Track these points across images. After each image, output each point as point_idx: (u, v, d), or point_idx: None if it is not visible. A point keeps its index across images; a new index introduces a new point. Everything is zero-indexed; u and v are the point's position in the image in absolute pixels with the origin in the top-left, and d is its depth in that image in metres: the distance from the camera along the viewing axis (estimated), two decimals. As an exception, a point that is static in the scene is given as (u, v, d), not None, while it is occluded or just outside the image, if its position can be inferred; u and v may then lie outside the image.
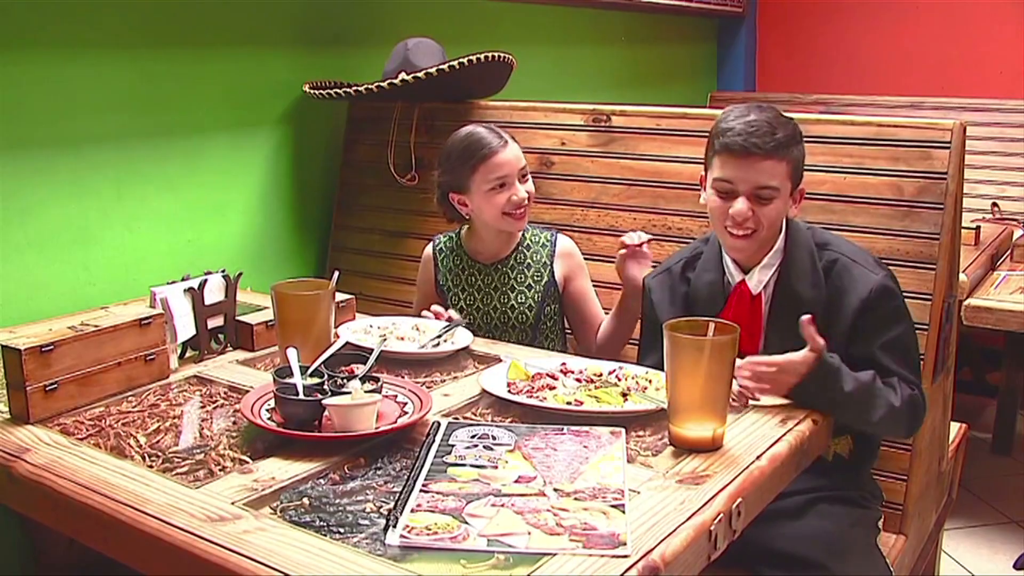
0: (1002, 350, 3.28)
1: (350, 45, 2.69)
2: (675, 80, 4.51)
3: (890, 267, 1.74)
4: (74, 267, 2.09)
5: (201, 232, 2.35)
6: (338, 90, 2.45)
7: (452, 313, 1.99)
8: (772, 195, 1.65)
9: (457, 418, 1.51)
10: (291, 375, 1.46)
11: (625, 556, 1.07)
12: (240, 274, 1.86)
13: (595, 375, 1.65)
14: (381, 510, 1.20)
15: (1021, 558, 2.64)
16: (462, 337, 1.86)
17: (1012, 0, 4.22)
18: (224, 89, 2.36)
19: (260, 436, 1.42)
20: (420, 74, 2.33)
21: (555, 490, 1.23)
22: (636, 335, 1.98)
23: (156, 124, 2.22)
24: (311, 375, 1.48)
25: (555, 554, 1.08)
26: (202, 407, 1.59)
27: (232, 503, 1.21)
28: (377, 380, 1.49)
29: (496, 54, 2.38)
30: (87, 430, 1.47)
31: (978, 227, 3.08)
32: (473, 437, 1.40)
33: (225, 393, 1.63)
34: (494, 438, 1.40)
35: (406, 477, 1.28)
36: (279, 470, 1.31)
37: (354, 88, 2.44)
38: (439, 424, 1.45)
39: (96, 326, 1.57)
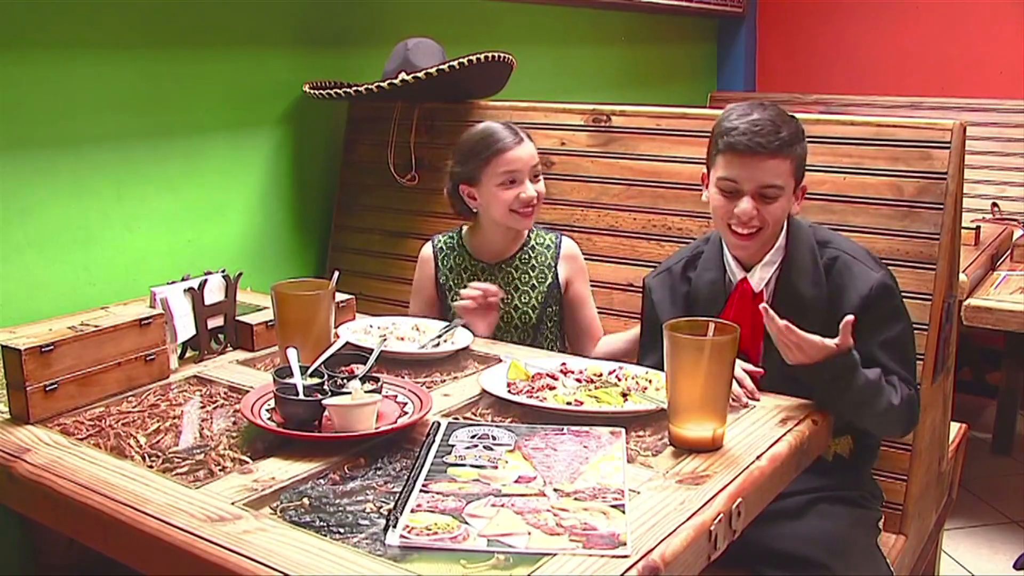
0: (1002, 350, 3.28)
1: (350, 45, 2.69)
2: (675, 80, 4.51)
3: (890, 267, 1.74)
4: (74, 267, 2.09)
5: (201, 232, 2.35)
6: (338, 90, 2.45)
7: (488, 286, 1.99)
8: (777, 194, 1.65)
9: (457, 418, 1.51)
10: (291, 375, 1.46)
11: (625, 556, 1.07)
12: (240, 274, 1.86)
13: (595, 375, 1.65)
14: (381, 510, 1.20)
15: (1021, 558, 2.64)
16: (462, 337, 1.86)
17: (1012, 0, 4.22)
18: (224, 89, 2.36)
19: (260, 436, 1.42)
20: (420, 74, 2.33)
21: (555, 490, 1.23)
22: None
23: (156, 124, 2.22)
24: (311, 375, 1.48)
25: (555, 554, 1.08)
26: (202, 407, 1.59)
27: (232, 503, 1.21)
28: (377, 380, 1.49)
29: (496, 54, 2.38)
30: (87, 430, 1.47)
31: (978, 227, 3.08)
32: (473, 437, 1.40)
33: (225, 393, 1.63)
34: (494, 438, 1.40)
35: (406, 477, 1.28)
36: (279, 470, 1.31)
37: (354, 88, 2.44)
38: (439, 424, 1.45)
39: (96, 326, 1.57)
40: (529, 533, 1.12)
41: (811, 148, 1.76)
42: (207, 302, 1.79)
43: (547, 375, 1.64)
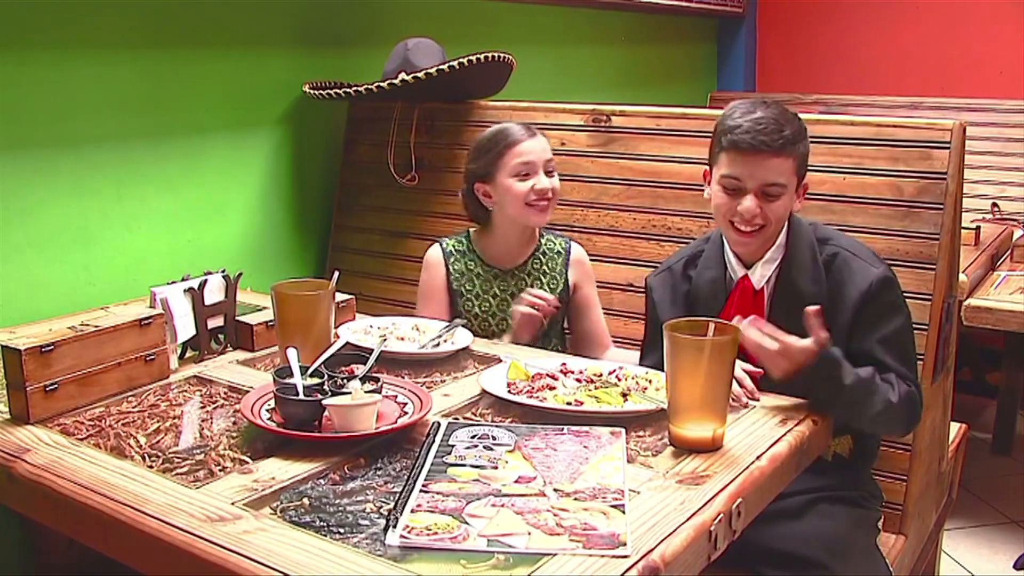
0: (1002, 350, 3.28)
1: (350, 45, 2.70)
2: (675, 80, 4.51)
3: (890, 267, 1.74)
4: (74, 267, 2.09)
5: (201, 232, 2.35)
6: (338, 90, 2.45)
7: (549, 295, 2.00)
8: (780, 192, 1.65)
9: (457, 418, 1.51)
10: (291, 375, 1.46)
11: (625, 556, 1.07)
12: (240, 274, 1.86)
13: (595, 375, 1.65)
14: (381, 510, 1.20)
15: (1021, 558, 2.64)
16: (462, 337, 1.86)
17: (1012, 0, 4.22)
18: (224, 89, 2.36)
19: (260, 436, 1.42)
20: (420, 74, 2.33)
21: (555, 490, 1.23)
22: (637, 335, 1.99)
23: (156, 124, 2.22)
24: (311, 375, 1.48)
25: (555, 554, 1.08)
26: (202, 407, 1.59)
27: (232, 503, 1.21)
28: (377, 380, 1.49)
29: (496, 54, 2.38)
30: (87, 430, 1.47)
31: (978, 227, 3.08)
32: (473, 437, 1.40)
33: (225, 393, 1.63)
34: (494, 438, 1.39)
35: (406, 477, 1.28)
36: (279, 470, 1.31)
37: (354, 88, 2.44)
38: (439, 424, 1.45)
39: (96, 326, 1.57)
40: (529, 533, 1.12)
41: (811, 148, 1.77)
42: (207, 302, 1.79)
43: (547, 375, 1.64)
